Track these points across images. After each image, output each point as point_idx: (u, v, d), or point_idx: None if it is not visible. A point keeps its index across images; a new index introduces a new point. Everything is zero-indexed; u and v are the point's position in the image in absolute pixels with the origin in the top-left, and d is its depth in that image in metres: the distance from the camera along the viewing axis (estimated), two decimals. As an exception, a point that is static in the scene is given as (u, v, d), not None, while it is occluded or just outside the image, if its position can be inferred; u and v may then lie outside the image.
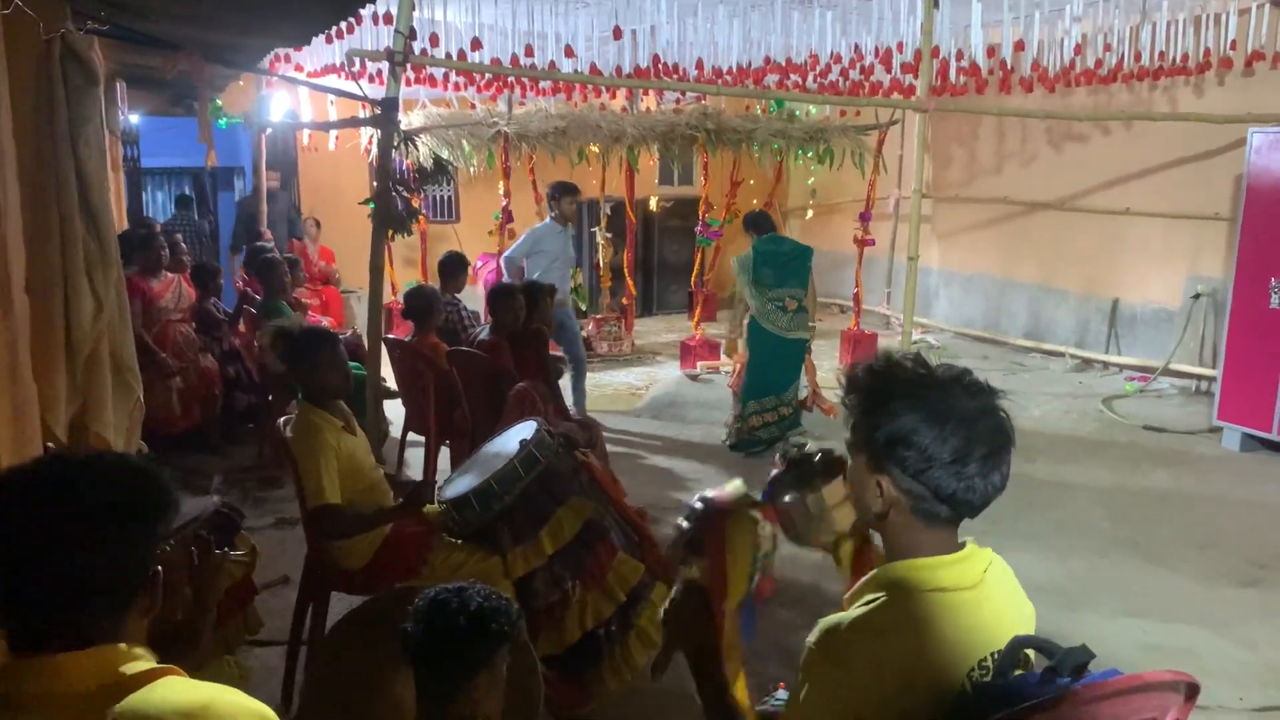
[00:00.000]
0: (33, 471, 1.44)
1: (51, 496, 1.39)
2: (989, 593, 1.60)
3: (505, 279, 7.43)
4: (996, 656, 1.55)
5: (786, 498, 1.91)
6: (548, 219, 7.94)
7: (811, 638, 1.58)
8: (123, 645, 1.42)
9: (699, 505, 1.81)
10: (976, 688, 1.49)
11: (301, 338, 3.79)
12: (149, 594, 1.47)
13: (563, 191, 7.84)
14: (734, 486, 1.86)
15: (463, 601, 2.23)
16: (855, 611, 1.58)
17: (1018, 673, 1.50)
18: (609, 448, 5.99)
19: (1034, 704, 1.36)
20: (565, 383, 7.55)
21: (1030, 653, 1.53)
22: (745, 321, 7.12)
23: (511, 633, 2.26)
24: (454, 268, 7.00)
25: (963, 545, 1.65)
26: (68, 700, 1.34)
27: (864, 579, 1.63)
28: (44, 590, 1.36)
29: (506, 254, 7.99)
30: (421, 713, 2.16)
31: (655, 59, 8.83)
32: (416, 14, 6.43)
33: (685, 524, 1.82)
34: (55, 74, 2.39)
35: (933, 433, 1.53)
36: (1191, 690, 1.47)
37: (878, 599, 1.58)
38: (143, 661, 1.42)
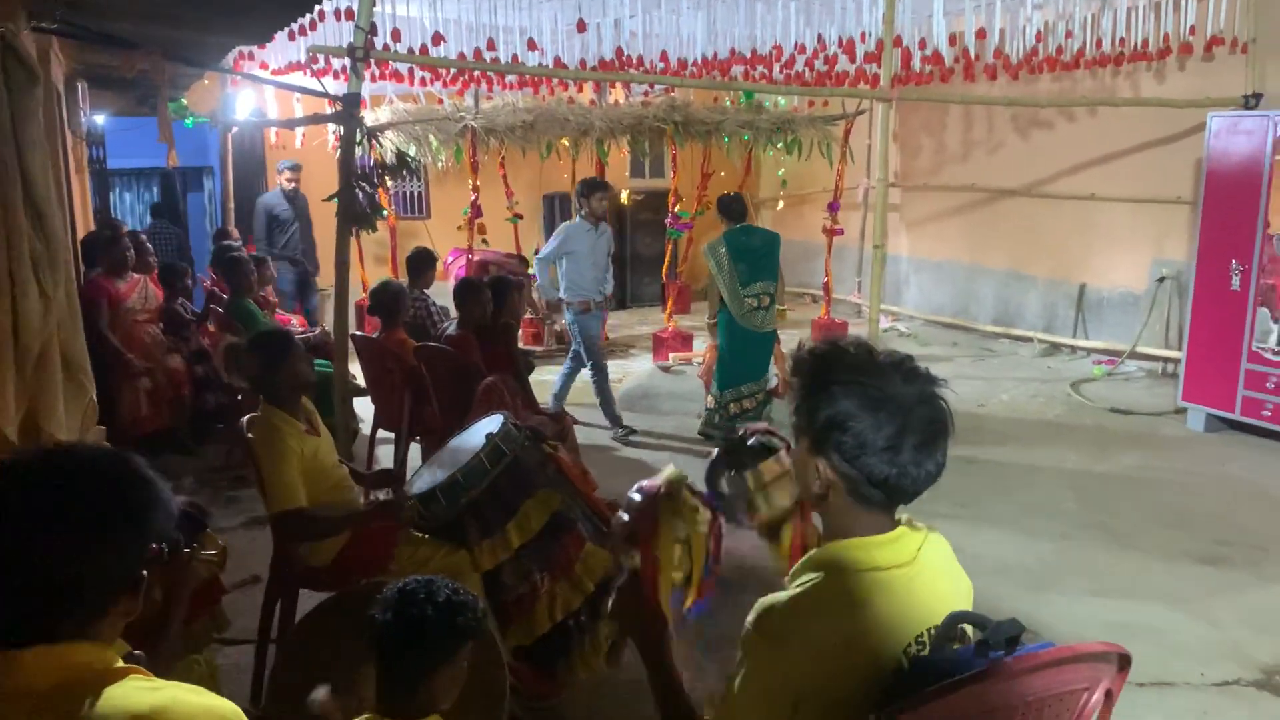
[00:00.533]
0: (31, 464, 1.42)
1: (47, 491, 1.37)
2: (923, 570, 1.62)
3: (538, 280, 7.44)
4: (932, 632, 1.58)
5: (723, 481, 1.94)
6: (577, 217, 7.60)
7: (749, 618, 1.60)
8: (87, 643, 1.40)
9: (636, 496, 1.84)
10: (913, 662, 1.51)
11: (255, 346, 3.78)
12: (133, 596, 1.45)
13: (591, 188, 7.52)
14: (668, 473, 1.88)
15: (430, 593, 2.24)
16: (791, 591, 1.60)
17: (954, 646, 1.52)
18: (581, 440, 6.00)
19: (967, 676, 1.39)
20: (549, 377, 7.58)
21: (968, 627, 1.55)
22: (717, 309, 7.13)
23: (477, 628, 2.28)
24: (422, 263, 6.99)
25: (897, 525, 1.67)
26: (22, 696, 1.33)
27: (801, 560, 1.65)
28: (28, 586, 1.35)
29: (540, 254, 7.72)
30: (381, 702, 2.17)
31: (619, 51, 8.83)
32: (378, 9, 6.44)
33: (625, 516, 1.85)
34: (-5, 73, 2.38)
35: (868, 419, 1.55)
36: (1124, 661, 1.50)
37: (814, 579, 1.60)
38: (108, 661, 1.40)
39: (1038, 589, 4.77)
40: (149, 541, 1.45)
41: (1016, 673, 1.41)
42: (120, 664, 1.42)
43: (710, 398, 7.26)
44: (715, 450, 2.02)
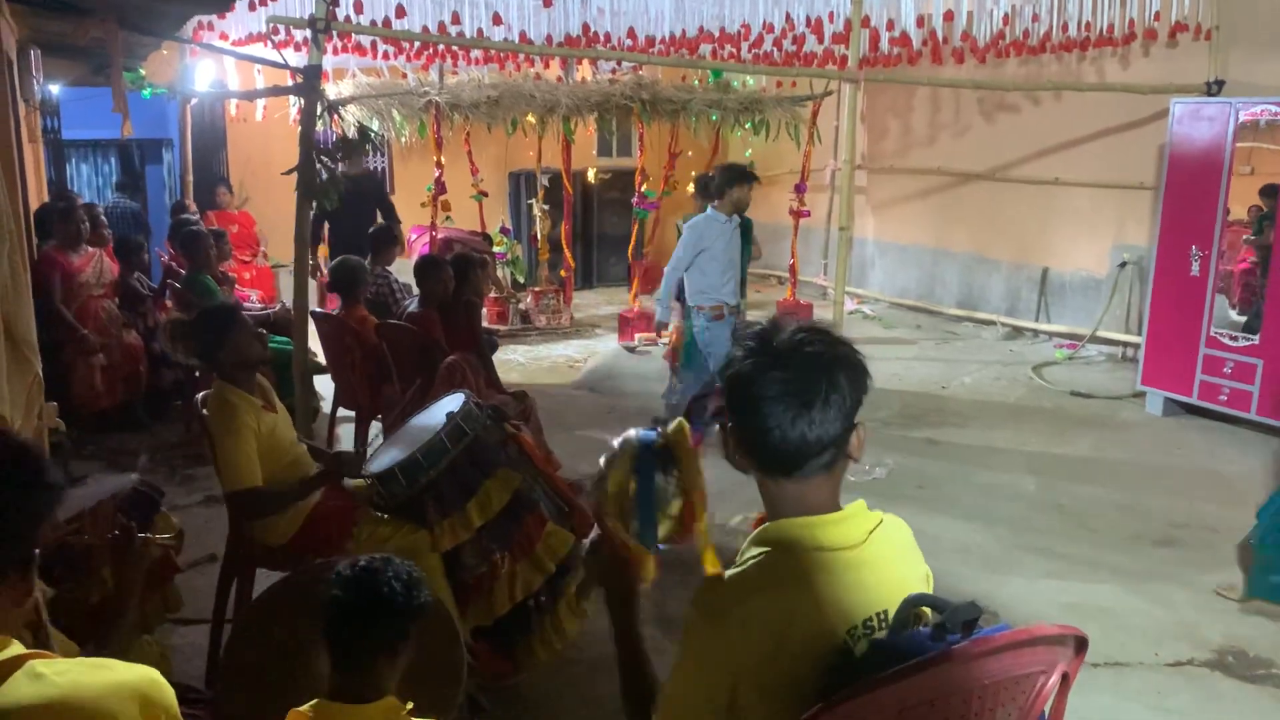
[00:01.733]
0: None
1: None
2: (874, 553, 1.61)
3: (664, 293, 6.63)
4: (881, 617, 1.57)
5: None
6: (708, 209, 6.55)
7: (691, 597, 1.59)
8: None
9: (616, 446, 1.82)
10: (871, 645, 1.50)
11: (199, 321, 3.70)
12: (22, 580, 1.38)
13: (736, 177, 6.44)
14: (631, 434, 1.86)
15: (382, 571, 2.21)
16: (731, 570, 1.60)
17: (917, 629, 1.51)
18: (545, 420, 5.96)
19: (922, 660, 1.38)
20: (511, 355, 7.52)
21: (927, 610, 1.54)
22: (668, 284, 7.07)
23: (426, 606, 2.25)
24: (385, 240, 6.91)
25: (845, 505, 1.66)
26: None
27: (749, 537, 1.64)
28: None
29: (670, 266, 6.55)
30: (332, 683, 2.14)
31: (585, 27, 8.75)
32: (340, -20, 6.31)
33: (604, 464, 1.82)
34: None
35: (745, 390, 1.57)
36: (1080, 644, 1.50)
37: (756, 556, 1.59)
38: (13, 648, 1.34)
39: (996, 570, 4.81)
40: (29, 519, 1.38)
41: (973, 656, 1.40)
42: (20, 651, 1.34)
43: (675, 379, 7.24)
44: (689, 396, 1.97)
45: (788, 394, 1.53)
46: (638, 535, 1.76)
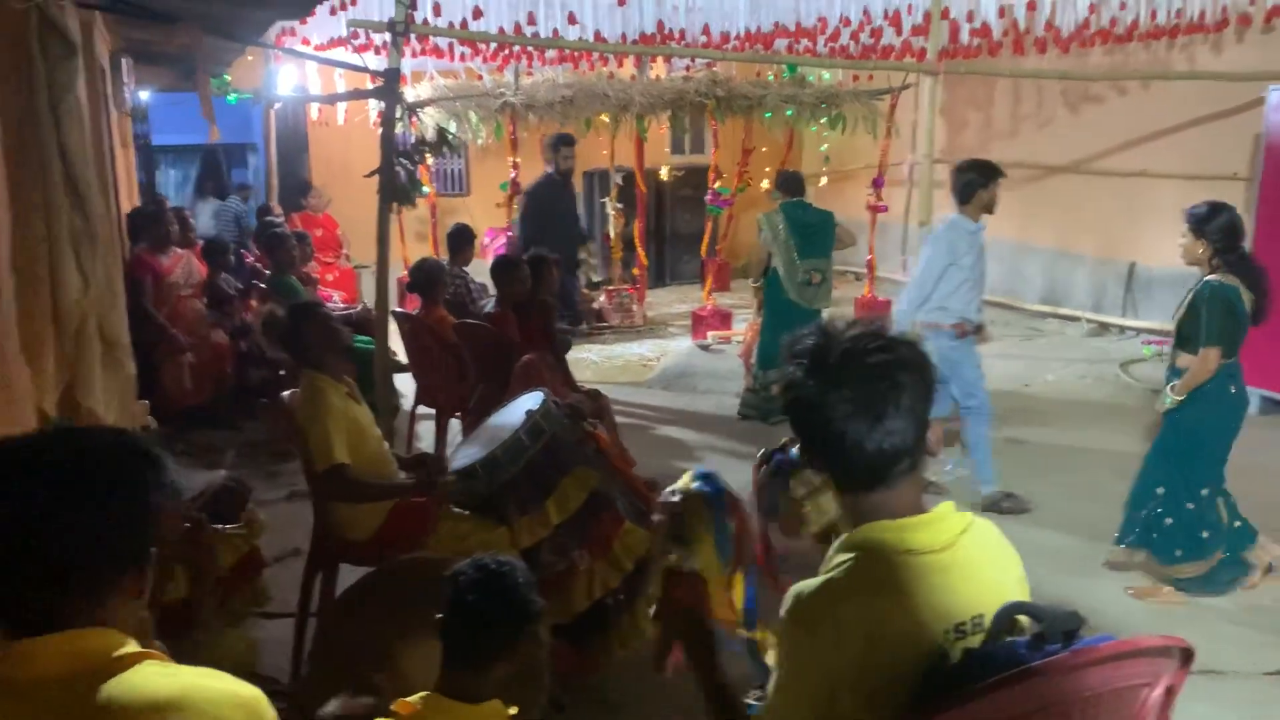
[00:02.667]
0: (16, 444, 1.38)
1: (32, 468, 1.33)
2: (964, 556, 1.57)
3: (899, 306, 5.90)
4: (977, 621, 1.53)
5: (779, 500, 1.92)
6: (952, 215, 5.81)
7: (783, 606, 1.58)
8: (100, 629, 1.35)
9: (673, 498, 1.84)
10: (965, 654, 1.47)
11: (289, 315, 3.79)
12: (139, 575, 1.40)
13: (985, 175, 5.71)
14: (685, 479, 1.89)
15: (508, 577, 2.21)
16: (822, 576, 1.58)
17: (1007, 639, 1.47)
18: (619, 419, 5.97)
19: (1020, 671, 1.34)
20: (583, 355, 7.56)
21: (1023, 619, 1.50)
22: (761, 285, 7.03)
23: (540, 617, 2.26)
24: (462, 240, 6.97)
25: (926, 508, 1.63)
26: (38, 686, 1.29)
27: (834, 544, 1.62)
28: (27, 569, 1.32)
29: (916, 281, 5.79)
30: (445, 682, 2.14)
31: (660, 25, 8.73)
32: (419, -17, 6.39)
33: (660, 518, 1.84)
34: (33, 46, 2.37)
35: (821, 399, 1.55)
36: (1186, 656, 1.44)
37: (845, 561, 1.57)
38: (121, 647, 1.35)
39: (1083, 574, 4.68)
40: (147, 517, 1.40)
41: (1073, 667, 1.35)
42: (135, 649, 1.37)
43: (750, 377, 7.19)
44: (762, 469, 1.98)
45: (858, 411, 1.52)
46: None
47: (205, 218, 10.39)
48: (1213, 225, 4.37)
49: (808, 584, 1.58)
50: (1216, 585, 4.46)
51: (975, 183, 5.59)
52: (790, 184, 7.13)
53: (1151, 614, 4.27)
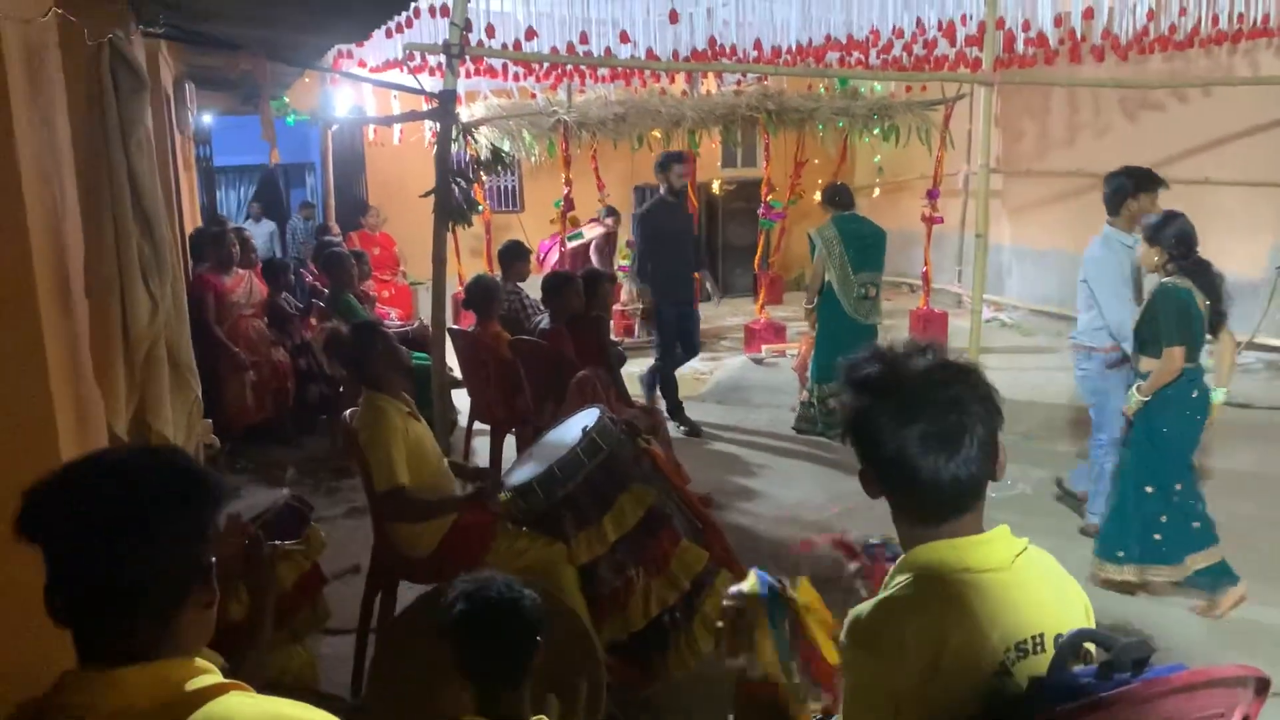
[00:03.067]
0: (70, 469, 1.41)
1: (88, 492, 1.36)
2: (1022, 577, 1.56)
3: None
4: (1038, 641, 1.52)
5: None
6: (1104, 228, 5.28)
7: (842, 631, 1.58)
8: (185, 659, 1.39)
9: (734, 603, 1.88)
10: (1031, 683, 1.44)
11: (352, 335, 3.85)
12: (205, 586, 1.43)
13: (1139, 183, 5.20)
14: (750, 582, 1.92)
15: (494, 606, 2.23)
16: (880, 596, 1.58)
17: (1076, 666, 1.45)
18: (673, 434, 5.97)
19: (1091, 701, 1.32)
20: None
21: (1090, 646, 1.47)
22: (816, 300, 6.98)
23: (543, 626, 2.27)
24: (514, 257, 7.02)
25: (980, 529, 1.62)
26: (127, 716, 1.31)
27: (893, 565, 1.61)
28: (90, 590, 1.34)
29: (1113, 302, 5.10)
30: (477, 703, 2.17)
31: (712, 41, 8.74)
32: (472, 5, 6.48)
33: (725, 622, 1.87)
34: (105, 79, 2.44)
35: (890, 432, 1.53)
36: (1262, 685, 1.41)
37: (903, 581, 1.57)
38: (206, 676, 1.39)
39: (1151, 592, 4.57)
40: (201, 534, 1.43)
41: (1145, 698, 1.32)
42: (219, 679, 1.40)
43: (805, 391, 7.15)
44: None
45: (933, 443, 1.50)
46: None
47: (259, 240, 10.61)
48: (1166, 233, 4.51)
49: (865, 605, 1.58)
50: (1231, 576, 4.39)
51: (1127, 190, 5.20)
52: (840, 197, 7.10)
53: (1221, 635, 4.17)
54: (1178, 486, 4.46)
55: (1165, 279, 4.52)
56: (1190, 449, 4.52)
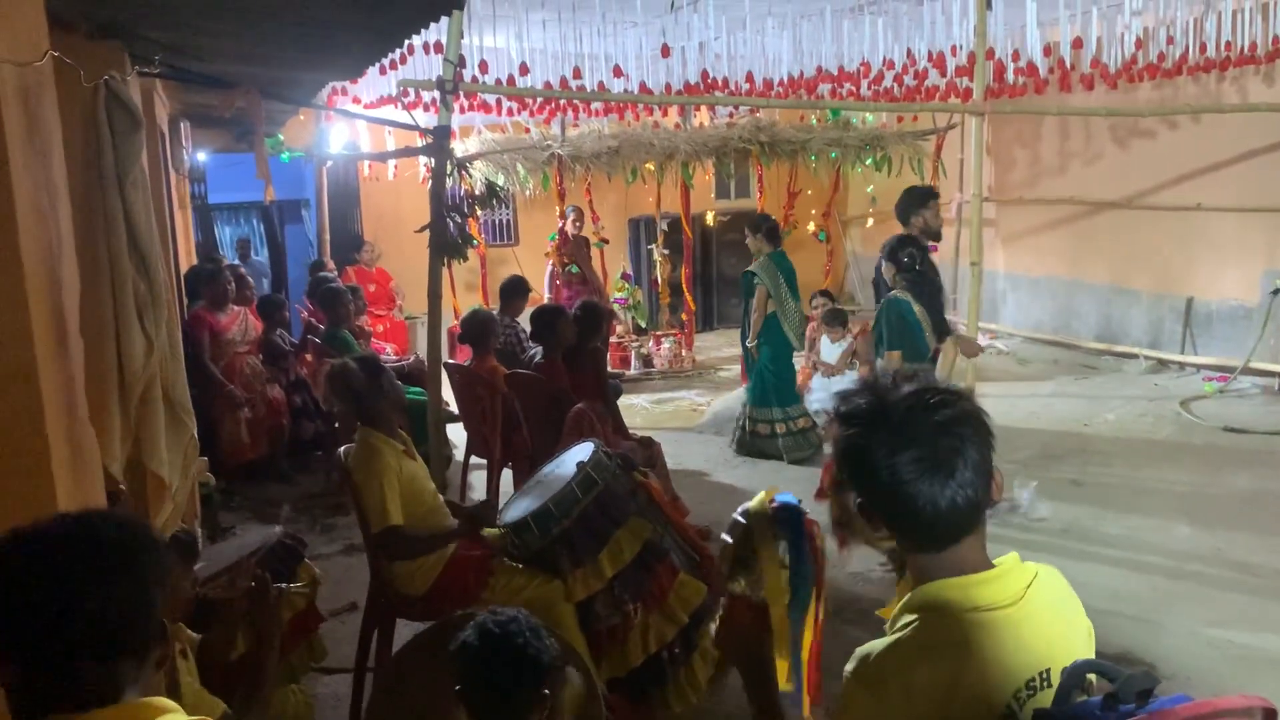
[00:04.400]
0: (19, 533, 1.43)
1: (32, 556, 1.38)
2: (1032, 610, 1.54)
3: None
4: (1044, 677, 1.50)
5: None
6: None
7: (849, 666, 1.55)
8: (147, 701, 1.39)
9: (740, 518, 1.79)
10: (1035, 715, 1.43)
11: (360, 369, 3.85)
12: (159, 646, 1.45)
13: None
14: (760, 499, 1.83)
15: (507, 644, 2.21)
16: (890, 637, 1.55)
17: (1080, 698, 1.43)
18: (670, 465, 5.95)
19: (1095, 733, 1.30)
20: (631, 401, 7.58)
21: (1092, 676, 1.46)
22: (758, 331, 7.15)
23: (557, 667, 2.25)
24: (514, 292, 7.03)
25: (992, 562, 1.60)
26: None
27: (901, 603, 1.59)
28: (30, 644, 1.36)
29: None
30: None
31: (704, 74, 8.82)
32: (465, 42, 6.51)
33: (727, 538, 1.80)
34: (100, 119, 2.45)
35: (885, 462, 1.51)
36: (1268, 715, 1.39)
37: (912, 622, 1.54)
38: (173, 715, 1.39)
39: (1151, 619, 4.55)
40: (149, 602, 1.44)
41: (1150, 730, 1.31)
42: (185, 718, 1.41)
43: (745, 416, 7.29)
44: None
45: (928, 470, 1.48)
46: (790, 602, 1.73)
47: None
48: (900, 254, 5.18)
49: (875, 645, 1.55)
50: None
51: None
52: (776, 232, 7.35)
53: (1227, 662, 4.14)
54: None
55: (891, 292, 5.17)
56: None
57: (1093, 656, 1.58)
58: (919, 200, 5.95)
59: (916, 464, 1.48)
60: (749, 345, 7.26)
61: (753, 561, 1.78)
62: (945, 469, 1.48)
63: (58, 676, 1.37)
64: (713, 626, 1.84)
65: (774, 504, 1.79)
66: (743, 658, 1.76)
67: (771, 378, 7.15)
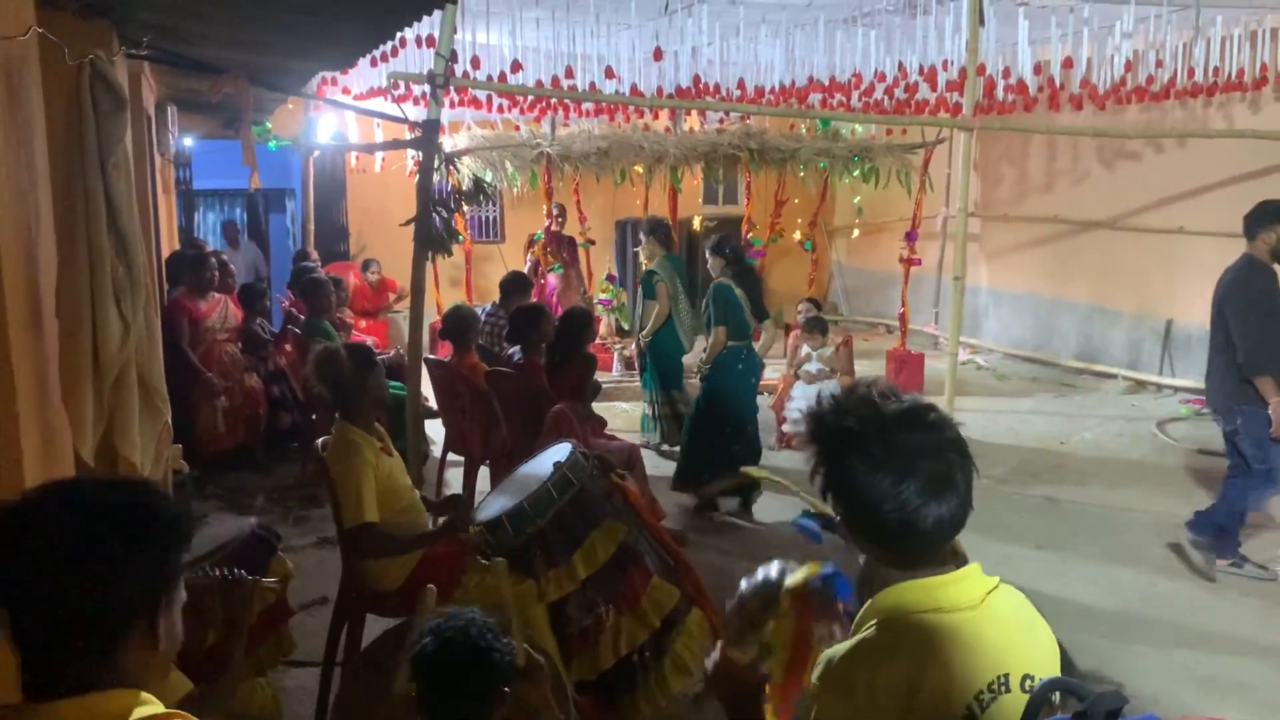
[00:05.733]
0: (28, 499, 1.39)
1: (43, 523, 1.33)
2: (992, 615, 1.56)
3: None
4: (1003, 682, 1.51)
5: None
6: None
7: (815, 673, 1.56)
8: (122, 690, 1.35)
9: (767, 587, 1.74)
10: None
11: (350, 356, 3.82)
12: (150, 630, 1.39)
13: None
14: (805, 570, 1.74)
15: (465, 644, 2.19)
16: (852, 640, 1.56)
17: (1054, 717, 1.43)
18: (649, 470, 5.94)
19: (1064, 753, 1.30)
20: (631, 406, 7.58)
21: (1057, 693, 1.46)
22: (654, 327, 7.36)
23: (509, 670, 2.23)
24: (516, 288, 7.01)
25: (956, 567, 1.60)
26: None
27: (863, 608, 1.59)
28: (37, 617, 1.32)
29: None
30: None
31: (696, 79, 8.82)
32: (458, 37, 6.50)
33: (748, 596, 1.75)
34: (84, 99, 2.42)
35: (866, 479, 1.53)
36: (1234, 738, 1.39)
37: (874, 624, 1.55)
38: (146, 706, 1.35)
39: (1121, 638, 4.57)
40: (153, 568, 1.39)
41: (1117, 749, 1.31)
42: (160, 710, 1.36)
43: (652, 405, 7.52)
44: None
45: (918, 493, 1.51)
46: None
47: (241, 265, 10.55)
48: (726, 248, 6.36)
49: (838, 648, 1.56)
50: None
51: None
52: (670, 238, 7.73)
53: (1195, 683, 4.16)
54: (735, 425, 6.12)
55: (719, 279, 6.25)
56: (746, 399, 6.27)
57: (1056, 672, 1.59)
58: (1273, 216, 5.24)
59: (905, 487, 1.51)
60: (643, 340, 7.49)
61: (770, 639, 1.73)
62: (948, 485, 1.52)
63: (28, 654, 1.34)
64: (708, 661, 1.80)
65: (821, 579, 1.71)
66: (731, 705, 1.77)
67: (659, 366, 7.40)
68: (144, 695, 1.37)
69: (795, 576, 1.72)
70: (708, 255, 6.45)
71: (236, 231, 11.31)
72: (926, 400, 1.61)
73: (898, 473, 1.50)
